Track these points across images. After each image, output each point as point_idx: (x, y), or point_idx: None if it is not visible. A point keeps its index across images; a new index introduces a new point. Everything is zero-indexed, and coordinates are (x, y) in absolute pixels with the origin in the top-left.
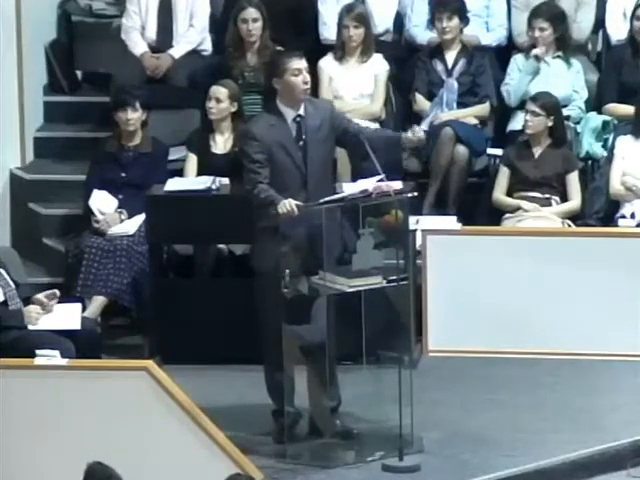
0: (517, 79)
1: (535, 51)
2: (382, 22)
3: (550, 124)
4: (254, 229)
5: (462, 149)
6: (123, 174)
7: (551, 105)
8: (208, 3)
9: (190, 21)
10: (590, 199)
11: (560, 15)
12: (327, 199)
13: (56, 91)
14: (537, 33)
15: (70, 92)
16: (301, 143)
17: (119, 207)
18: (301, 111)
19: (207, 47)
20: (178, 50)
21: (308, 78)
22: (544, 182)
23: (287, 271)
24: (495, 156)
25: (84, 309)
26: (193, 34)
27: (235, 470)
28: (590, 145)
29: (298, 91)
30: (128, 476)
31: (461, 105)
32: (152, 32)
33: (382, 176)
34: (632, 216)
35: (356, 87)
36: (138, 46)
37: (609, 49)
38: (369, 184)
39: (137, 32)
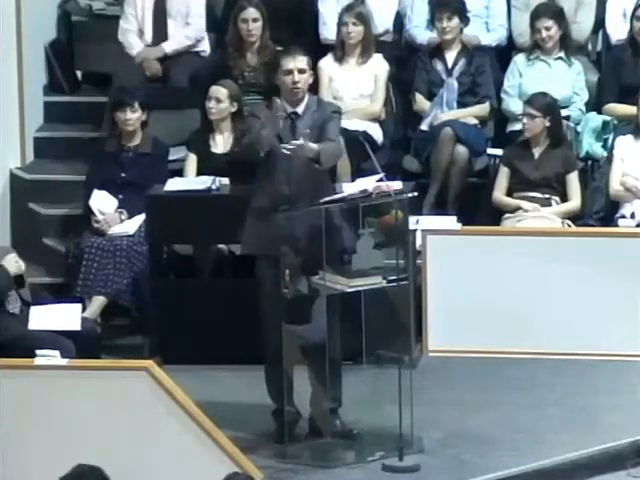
0: (517, 86)
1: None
2: (382, 22)
3: (547, 124)
4: (247, 210)
5: (462, 149)
6: (123, 174)
7: (547, 105)
8: (204, 2)
9: (186, 20)
10: (590, 199)
11: (560, 12)
12: (327, 199)
13: (56, 91)
14: (544, 33)
15: (70, 92)
16: (293, 137)
17: (119, 207)
18: (299, 109)
19: (205, 47)
20: (171, 44)
21: (297, 78)
22: (544, 182)
23: (287, 271)
24: (495, 156)
25: (84, 309)
26: (188, 30)
27: (235, 470)
28: (590, 145)
29: (287, 90)
30: (128, 476)
31: (461, 105)
32: (149, 35)
33: (382, 175)
34: (632, 216)
35: (356, 87)
36: (135, 48)
37: (609, 49)
38: (369, 184)
39: (134, 34)
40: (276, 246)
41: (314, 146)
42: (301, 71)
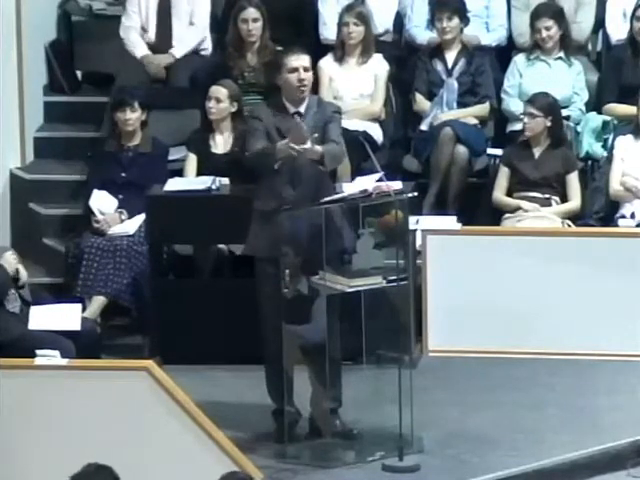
0: (517, 86)
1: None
2: (382, 22)
3: (548, 124)
4: (250, 212)
5: (462, 149)
6: (123, 174)
7: (548, 105)
8: (209, 1)
9: (190, 19)
10: (590, 199)
11: (560, 12)
12: (327, 199)
13: (56, 91)
14: (544, 33)
15: (70, 92)
16: None
17: (119, 207)
18: (301, 108)
19: (207, 46)
20: (180, 49)
21: (304, 76)
22: (544, 182)
23: (287, 271)
24: (495, 156)
25: (84, 309)
26: (194, 32)
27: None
28: (590, 145)
29: (293, 89)
30: (128, 476)
31: (461, 105)
32: (152, 32)
33: (381, 174)
34: (632, 216)
35: (356, 87)
36: (137, 47)
37: (609, 49)
38: (368, 183)
39: (136, 32)
40: (279, 247)
41: (319, 148)
42: (306, 69)
